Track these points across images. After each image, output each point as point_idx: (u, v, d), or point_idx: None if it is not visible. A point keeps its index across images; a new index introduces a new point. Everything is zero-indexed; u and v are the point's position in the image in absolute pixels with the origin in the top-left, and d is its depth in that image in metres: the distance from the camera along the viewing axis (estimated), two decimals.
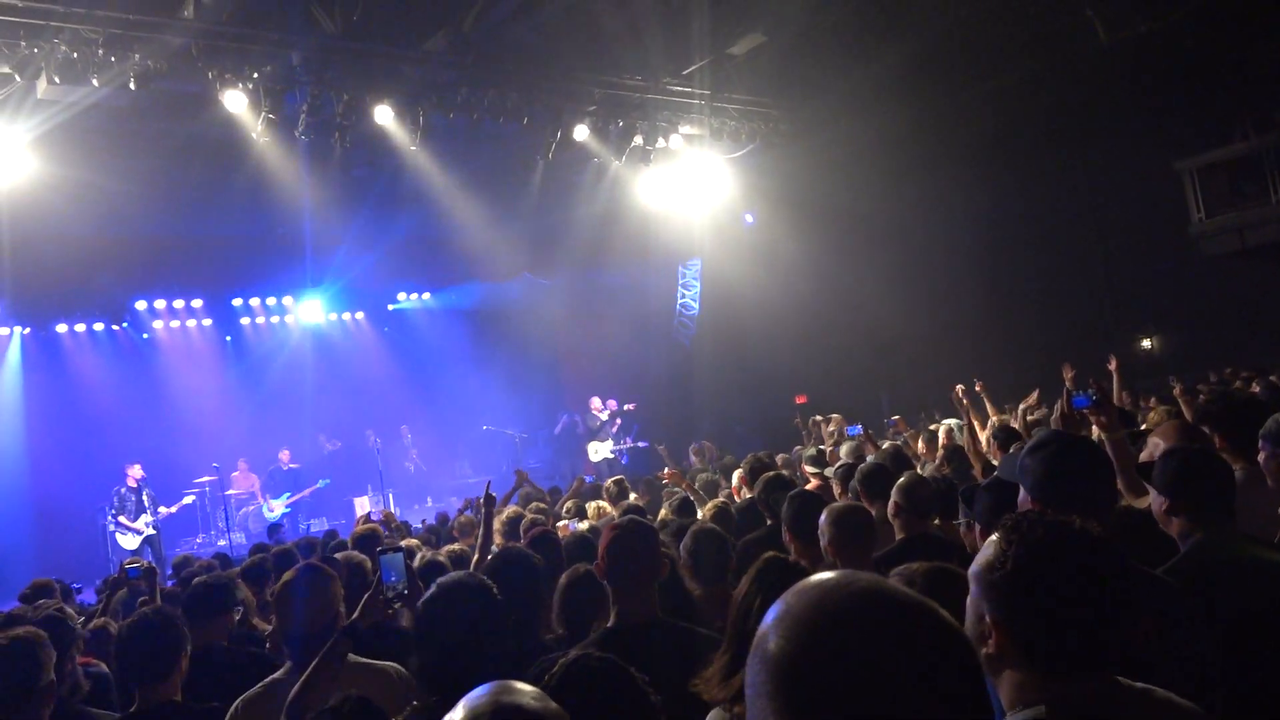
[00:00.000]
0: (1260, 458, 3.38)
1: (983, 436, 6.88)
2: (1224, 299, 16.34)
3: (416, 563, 5.23)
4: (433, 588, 2.64)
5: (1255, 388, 8.00)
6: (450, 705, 1.32)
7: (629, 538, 3.09)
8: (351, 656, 3.18)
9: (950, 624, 0.94)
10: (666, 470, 7.43)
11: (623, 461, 15.87)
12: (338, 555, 4.38)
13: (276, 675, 3.12)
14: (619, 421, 16.30)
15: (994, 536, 1.71)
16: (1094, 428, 3.75)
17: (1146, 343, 18.17)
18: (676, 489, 7.00)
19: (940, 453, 7.20)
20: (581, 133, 12.47)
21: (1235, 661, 2.30)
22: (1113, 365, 7.93)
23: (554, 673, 1.88)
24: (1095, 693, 1.60)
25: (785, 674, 0.91)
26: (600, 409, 16.54)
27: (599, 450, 16.03)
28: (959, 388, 7.85)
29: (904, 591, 0.95)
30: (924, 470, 5.97)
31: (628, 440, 16.17)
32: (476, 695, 1.31)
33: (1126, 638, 1.67)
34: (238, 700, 3.08)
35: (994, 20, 12.43)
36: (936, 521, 4.56)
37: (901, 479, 4.31)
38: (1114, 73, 14.17)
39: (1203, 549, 2.74)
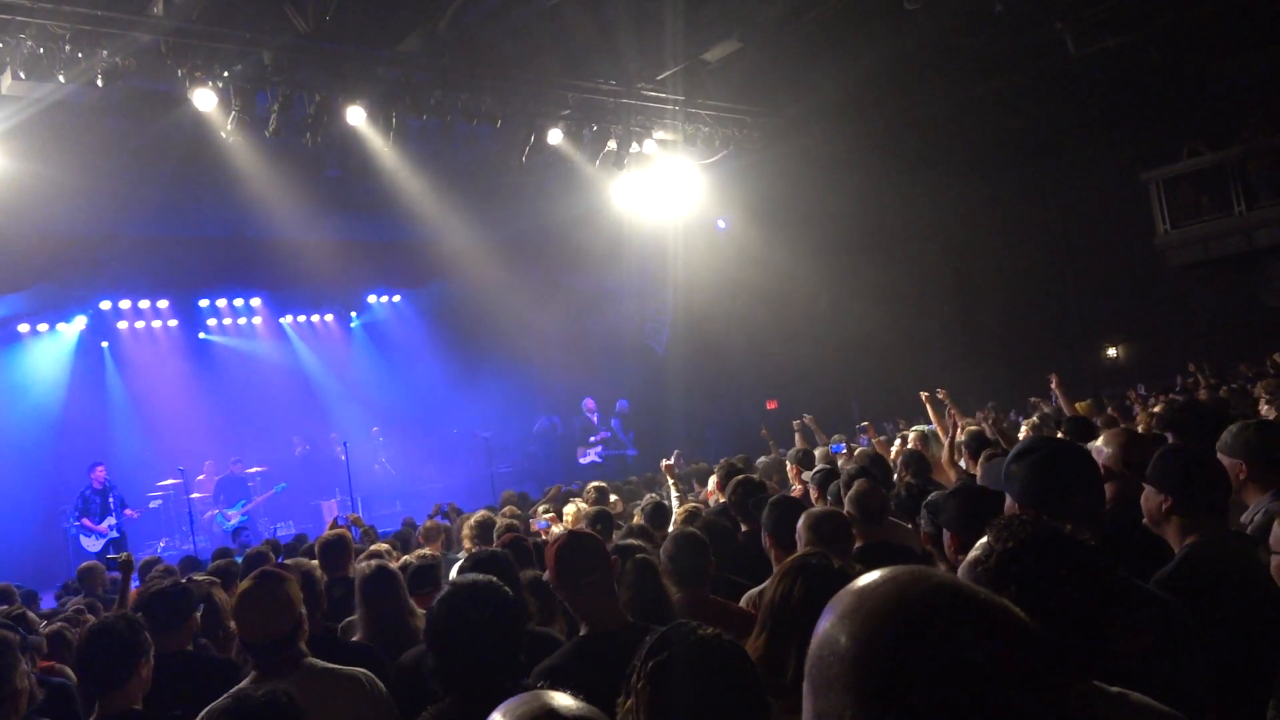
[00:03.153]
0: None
1: (943, 450, 6.93)
2: (1188, 309, 16.61)
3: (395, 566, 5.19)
4: (447, 587, 2.68)
5: (1203, 394, 8.13)
6: (468, 704, 1.33)
7: (569, 550, 3.12)
8: (318, 661, 3.13)
9: (1022, 618, 0.97)
10: (664, 463, 7.43)
11: (598, 462, 15.96)
12: (288, 562, 4.31)
13: (242, 686, 3.06)
14: (611, 424, 16.41)
15: (986, 536, 1.71)
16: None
17: (1112, 351, 18.42)
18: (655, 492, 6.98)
19: (896, 457, 7.08)
20: (555, 136, 12.44)
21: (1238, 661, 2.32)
22: (1054, 383, 8.11)
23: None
24: (1070, 698, 1.60)
25: (863, 667, 0.92)
26: (593, 411, 16.63)
27: (588, 454, 16.11)
28: (924, 394, 7.96)
29: (974, 586, 0.98)
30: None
31: (626, 441, 16.21)
32: (515, 702, 1.34)
33: (1111, 647, 1.67)
34: (202, 714, 3.02)
35: (965, 32, 12.57)
36: (910, 526, 4.58)
37: (852, 489, 4.33)
38: (1082, 86, 14.38)
39: (1204, 550, 2.76)
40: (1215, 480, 2.93)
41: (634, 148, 13.20)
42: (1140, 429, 5.85)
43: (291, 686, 2.51)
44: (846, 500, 4.34)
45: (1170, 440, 3.85)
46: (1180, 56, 13.92)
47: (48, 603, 8.66)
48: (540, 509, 8.00)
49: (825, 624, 0.97)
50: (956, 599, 0.95)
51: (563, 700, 1.35)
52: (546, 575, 3.17)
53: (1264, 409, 7.20)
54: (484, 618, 2.52)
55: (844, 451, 7.74)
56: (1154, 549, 2.92)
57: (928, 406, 7.68)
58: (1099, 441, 3.46)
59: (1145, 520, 2.96)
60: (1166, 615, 2.20)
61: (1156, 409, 8.11)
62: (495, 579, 2.69)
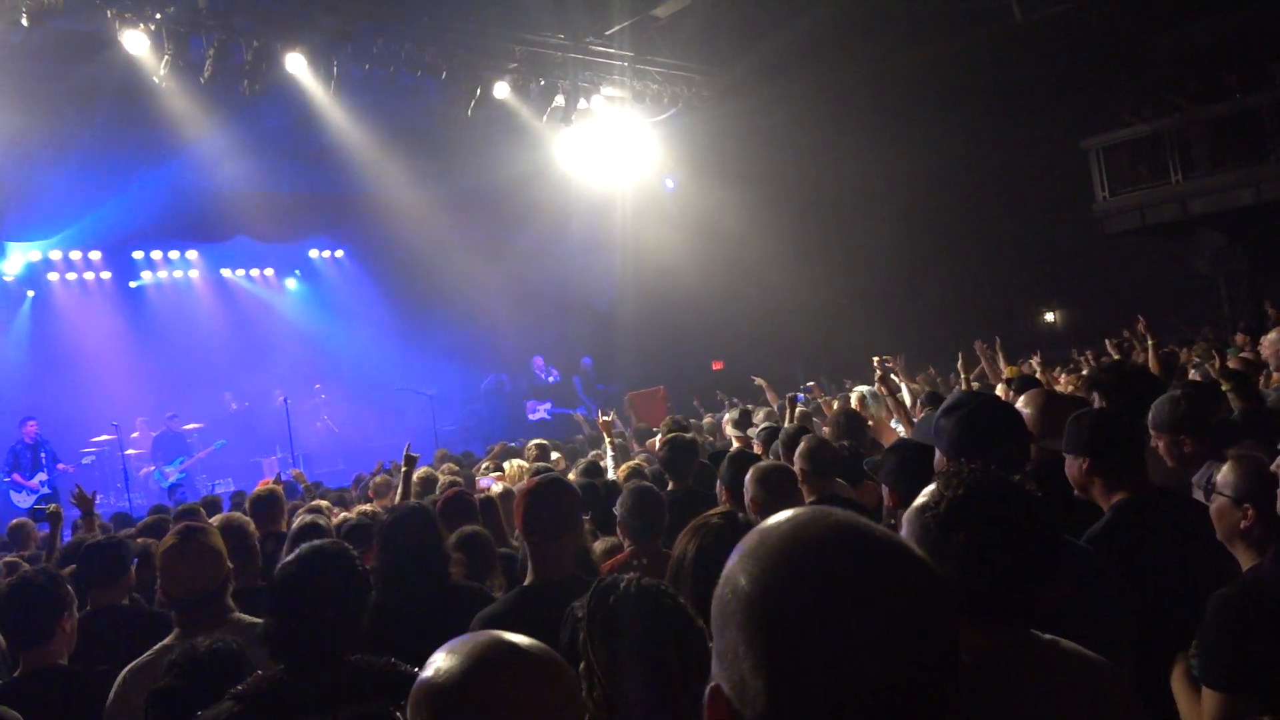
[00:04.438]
0: (1158, 445, 3.48)
1: (891, 404, 7.01)
2: (1124, 275, 16.97)
3: (334, 522, 5.15)
4: (292, 554, 2.54)
5: (1140, 356, 8.35)
6: (297, 675, 1.28)
7: (546, 493, 3.09)
8: (245, 616, 3.10)
9: (921, 558, 0.96)
10: (600, 419, 7.43)
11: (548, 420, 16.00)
12: (213, 519, 4.23)
13: (165, 642, 3.02)
14: (572, 381, 16.45)
15: (933, 483, 1.72)
16: (999, 393, 3.84)
17: (1050, 316, 18.79)
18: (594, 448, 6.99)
19: (831, 420, 7.03)
20: (502, 90, 12.26)
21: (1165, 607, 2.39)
22: (979, 348, 8.37)
23: None
24: (1009, 645, 1.64)
25: (757, 604, 0.91)
26: (542, 369, 16.60)
27: (537, 410, 16.12)
28: (875, 360, 8.08)
29: (876, 526, 0.97)
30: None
31: (596, 398, 16.22)
32: (463, 639, 1.30)
33: (1045, 597, 1.70)
34: (124, 670, 2.97)
35: None
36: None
37: (801, 444, 4.37)
38: (1027, 51, 14.51)
39: (1131, 506, 2.84)
40: (1128, 437, 3.00)
41: (582, 103, 13.07)
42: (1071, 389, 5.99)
43: (216, 641, 2.48)
44: (797, 455, 4.36)
45: (1097, 401, 3.93)
46: (1122, 26, 14.12)
47: None
48: (484, 465, 7.97)
49: (730, 564, 0.97)
50: (851, 537, 0.94)
51: (515, 636, 1.32)
52: (515, 523, 3.10)
53: (1192, 374, 7.39)
54: (322, 590, 2.38)
55: (803, 402, 7.80)
56: (1072, 504, 3.00)
57: (876, 369, 7.77)
58: (1019, 402, 3.52)
59: (1075, 491, 3.03)
60: (1086, 566, 2.26)
61: (1084, 371, 8.33)
62: (346, 548, 2.58)
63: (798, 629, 0.89)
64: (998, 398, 2.91)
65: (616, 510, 3.86)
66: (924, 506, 1.69)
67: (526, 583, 3.06)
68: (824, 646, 0.88)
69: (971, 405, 2.37)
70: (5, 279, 15.01)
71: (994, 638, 1.63)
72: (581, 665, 1.78)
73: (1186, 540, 2.74)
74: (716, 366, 17.74)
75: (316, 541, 2.58)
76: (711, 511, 2.59)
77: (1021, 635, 1.67)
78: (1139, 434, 3.04)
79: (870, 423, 6.93)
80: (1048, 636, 1.69)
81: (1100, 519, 2.88)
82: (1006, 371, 7.94)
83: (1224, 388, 4.51)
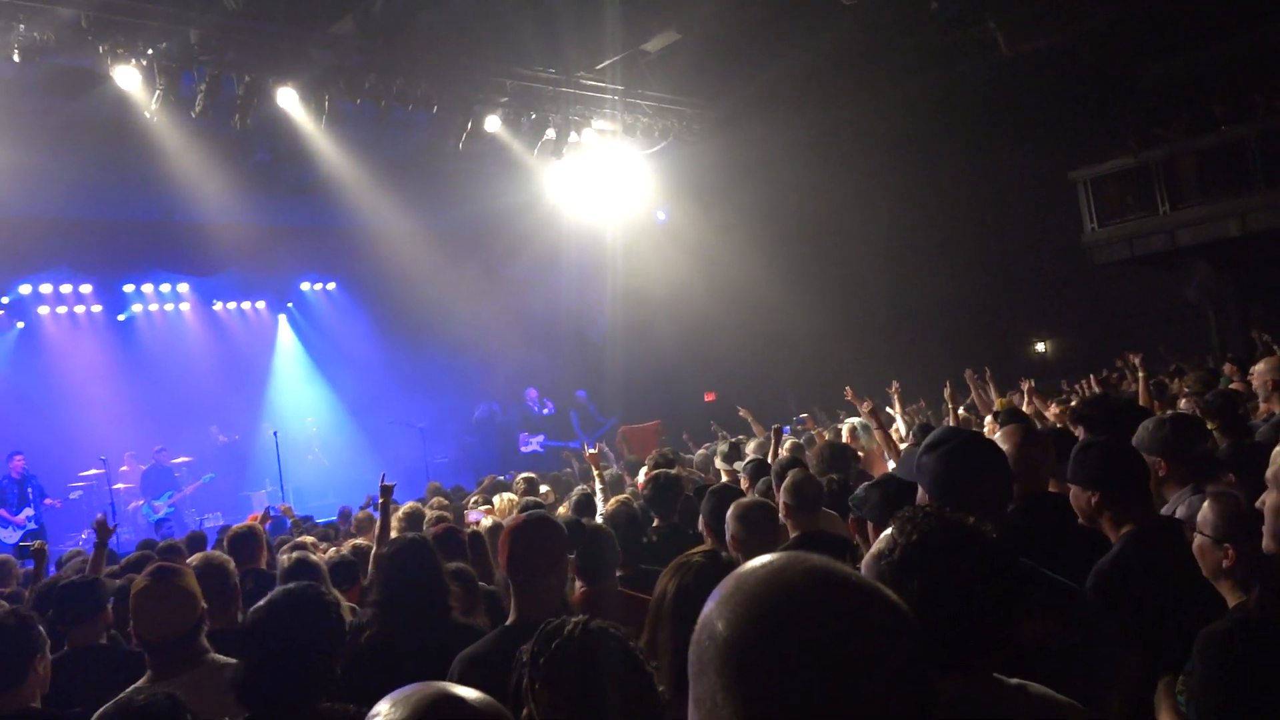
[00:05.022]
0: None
1: (879, 437, 6.97)
2: (1113, 305, 17.05)
3: (323, 558, 5.10)
4: (264, 598, 2.49)
5: (1131, 386, 8.37)
6: None
7: (532, 532, 3.05)
8: (220, 657, 3.05)
9: (897, 604, 0.96)
10: (587, 452, 7.38)
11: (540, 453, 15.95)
12: (191, 559, 4.16)
13: (138, 684, 2.97)
14: (569, 416, 16.40)
15: (890, 528, 1.71)
16: (987, 425, 3.83)
17: (1040, 346, 18.83)
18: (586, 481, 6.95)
19: (815, 453, 6.93)
20: (493, 124, 12.32)
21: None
22: (969, 377, 8.41)
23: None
24: (969, 691, 1.61)
25: (734, 650, 0.91)
26: (535, 400, 16.57)
27: (530, 443, 16.07)
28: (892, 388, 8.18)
29: (853, 572, 0.97)
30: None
31: (600, 426, 16.15)
32: (407, 691, 1.26)
33: (1012, 636, 1.68)
34: (95, 715, 2.92)
35: (901, 28, 12.73)
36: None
37: (787, 479, 4.33)
38: (1015, 84, 14.65)
39: (1140, 538, 2.83)
40: (1136, 468, 3.00)
41: (573, 137, 13.13)
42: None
43: (188, 684, 2.44)
44: (781, 490, 4.32)
45: (1082, 435, 3.92)
46: (1109, 58, 14.28)
47: None
48: (473, 499, 7.93)
49: (707, 609, 0.97)
50: (828, 584, 0.94)
51: (462, 690, 1.30)
52: (500, 562, 3.07)
53: (1183, 404, 7.39)
54: (292, 636, 2.33)
55: (797, 434, 7.78)
56: (1060, 540, 2.98)
57: (857, 402, 7.78)
58: (996, 437, 3.51)
59: (1080, 519, 3.01)
60: (1072, 602, 2.24)
61: (1073, 402, 8.34)
62: (323, 592, 2.53)
63: (775, 676, 0.89)
64: (980, 435, 2.90)
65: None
66: (880, 554, 1.69)
67: (509, 622, 3.01)
68: (802, 693, 0.88)
69: (953, 443, 2.36)
70: None
71: (955, 684, 1.60)
72: (524, 712, 1.75)
73: (1196, 569, 2.74)
74: (709, 398, 17.72)
75: (290, 585, 2.53)
76: (693, 550, 2.56)
77: (984, 679, 1.64)
78: (1142, 464, 3.04)
79: (861, 455, 6.91)
80: (1014, 681, 1.67)
81: (1108, 550, 2.87)
82: (997, 404, 7.94)
83: (1210, 426, 4.50)
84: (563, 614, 3.04)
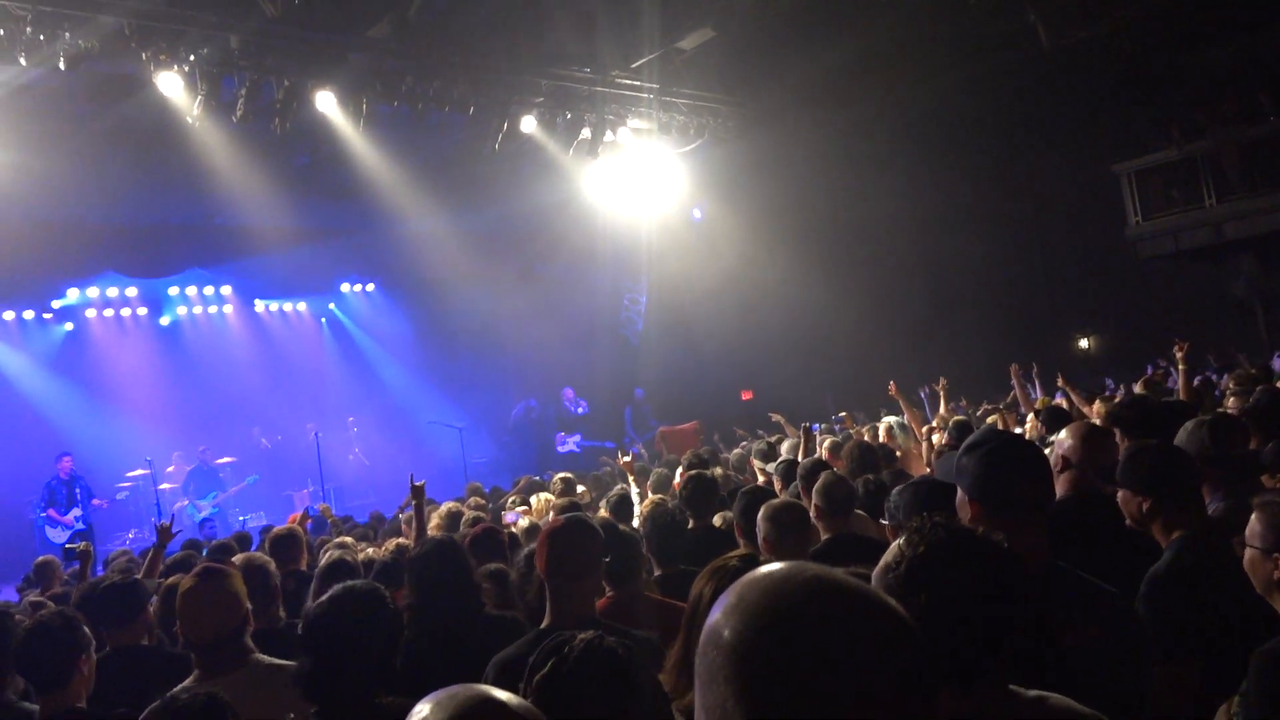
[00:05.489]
0: None
1: (921, 434, 6.91)
2: (1158, 300, 16.74)
3: (360, 558, 5.14)
4: (325, 595, 2.56)
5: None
6: (329, 718, 1.26)
7: (569, 534, 3.06)
8: (265, 658, 3.08)
9: (898, 613, 0.98)
10: (621, 460, 7.39)
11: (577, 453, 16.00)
12: (235, 559, 4.21)
13: (185, 684, 3.01)
14: (624, 414, 16.41)
15: (899, 539, 1.69)
16: (1028, 424, 3.78)
17: (1084, 342, 18.54)
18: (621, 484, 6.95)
19: (845, 454, 6.67)
20: (529, 124, 12.36)
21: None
22: (1014, 372, 8.34)
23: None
24: (981, 703, 1.58)
25: (741, 659, 0.94)
26: (572, 400, 16.61)
27: (566, 443, 16.13)
28: (939, 383, 8.09)
29: (852, 580, 0.99)
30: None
31: (651, 430, 16.16)
32: (449, 693, 1.27)
33: (1034, 647, 1.65)
34: (142, 715, 2.97)
35: (938, 21, 12.58)
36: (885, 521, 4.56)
37: (818, 481, 4.29)
38: (1055, 76, 14.43)
39: (1194, 544, 2.77)
40: (1189, 473, 2.94)
41: (608, 136, 13.13)
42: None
43: (234, 684, 2.47)
44: (812, 492, 4.30)
45: (1119, 438, 3.84)
46: (1151, 48, 14.00)
47: (9, 595, 8.55)
48: (510, 500, 7.96)
49: (713, 617, 0.99)
50: (831, 593, 0.96)
51: (502, 694, 1.30)
52: (537, 564, 3.09)
53: (1230, 403, 7.23)
54: (354, 632, 2.41)
55: (837, 433, 7.74)
56: (1104, 540, 2.93)
57: (899, 399, 7.69)
58: (1061, 433, 3.46)
59: (1128, 521, 2.96)
60: (1114, 609, 2.20)
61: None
62: (377, 588, 2.60)
63: (784, 684, 0.91)
64: (1019, 436, 2.86)
65: None
66: (887, 566, 1.66)
67: (544, 624, 3.03)
68: (809, 700, 0.90)
69: (993, 444, 2.32)
70: (44, 315, 15.30)
71: (971, 699, 1.58)
72: None
73: (1247, 580, 2.67)
74: (746, 396, 17.66)
75: (350, 582, 2.60)
76: (730, 554, 2.55)
77: (1000, 693, 1.61)
78: (1193, 468, 2.98)
79: (899, 454, 6.85)
80: (1033, 693, 1.63)
81: (1154, 554, 2.83)
82: (1039, 401, 7.83)
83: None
84: (593, 619, 3.06)
